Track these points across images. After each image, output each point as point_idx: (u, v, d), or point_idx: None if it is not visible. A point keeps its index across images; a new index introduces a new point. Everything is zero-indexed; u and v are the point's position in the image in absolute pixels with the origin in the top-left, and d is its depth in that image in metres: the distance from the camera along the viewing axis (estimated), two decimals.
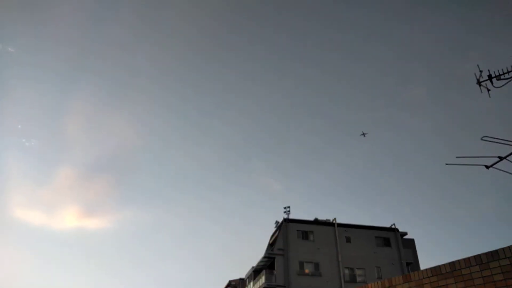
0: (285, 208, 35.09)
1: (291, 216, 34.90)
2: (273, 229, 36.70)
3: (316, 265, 32.85)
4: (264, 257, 33.68)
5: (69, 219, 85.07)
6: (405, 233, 36.47)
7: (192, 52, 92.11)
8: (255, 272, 35.75)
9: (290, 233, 33.73)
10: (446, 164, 7.22)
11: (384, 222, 62.28)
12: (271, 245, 36.22)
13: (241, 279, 43.57)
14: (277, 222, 36.00)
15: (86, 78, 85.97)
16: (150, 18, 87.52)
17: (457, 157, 6.63)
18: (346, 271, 33.17)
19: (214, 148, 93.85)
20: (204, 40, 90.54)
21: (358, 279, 32.91)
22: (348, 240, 34.63)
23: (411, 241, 36.91)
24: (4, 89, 79.98)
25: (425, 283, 5.71)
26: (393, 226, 36.47)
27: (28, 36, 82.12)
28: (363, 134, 46.46)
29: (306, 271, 32.48)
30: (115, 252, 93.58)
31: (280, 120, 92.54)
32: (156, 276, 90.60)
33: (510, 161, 6.19)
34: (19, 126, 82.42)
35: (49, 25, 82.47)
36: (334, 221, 35.34)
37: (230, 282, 47.36)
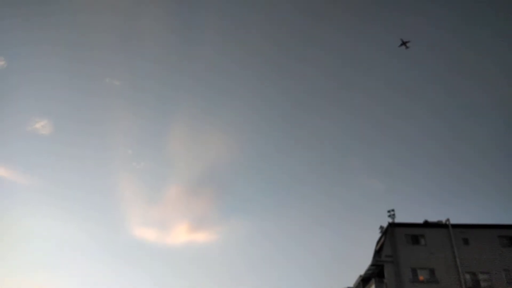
0: (389, 211, 33.05)
1: (397, 220, 32.78)
2: (378, 235, 34.86)
3: (431, 271, 30.30)
4: (372, 265, 32.07)
5: (180, 234, 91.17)
6: None
7: (281, 53, 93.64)
8: (364, 281, 34.20)
9: (397, 238, 31.63)
10: None
11: (508, 218, 55.24)
12: (378, 252, 34.41)
13: None
14: (381, 227, 34.09)
15: (181, 98, 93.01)
16: (233, 37, 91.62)
17: None
18: (467, 276, 30.06)
19: (308, 151, 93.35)
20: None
21: (483, 284, 29.66)
22: (465, 242, 31.37)
23: None
24: (114, 119, 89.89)
25: None
26: None
27: (129, 67, 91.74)
28: (404, 44, 35.75)
29: (421, 278, 30.12)
30: (222, 262, 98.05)
31: (379, 112, 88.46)
32: (263, 284, 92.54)
33: None
34: (130, 152, 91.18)
35: (144, 51, 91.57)
36: (447, 222, 32.32)
37: None
